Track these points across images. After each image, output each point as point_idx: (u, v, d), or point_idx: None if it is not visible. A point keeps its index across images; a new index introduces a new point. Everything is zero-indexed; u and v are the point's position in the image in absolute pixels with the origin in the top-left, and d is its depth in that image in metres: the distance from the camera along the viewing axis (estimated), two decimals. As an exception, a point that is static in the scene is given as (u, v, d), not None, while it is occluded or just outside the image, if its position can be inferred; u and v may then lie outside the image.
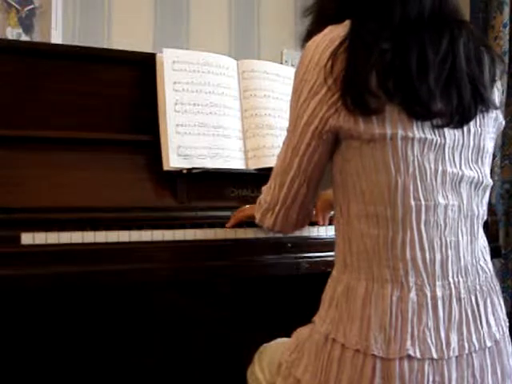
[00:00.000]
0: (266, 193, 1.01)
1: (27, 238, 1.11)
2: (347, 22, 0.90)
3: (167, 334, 1.59)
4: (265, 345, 1.15)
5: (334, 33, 0.89)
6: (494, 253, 1.69)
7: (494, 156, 2.35)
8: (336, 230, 0.97)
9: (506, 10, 2.35)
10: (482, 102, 0.91)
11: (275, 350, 1.07)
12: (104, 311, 1.51)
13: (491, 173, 2.40)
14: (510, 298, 2.43)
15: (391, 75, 0.85)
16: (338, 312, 0.90)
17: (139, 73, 1.44)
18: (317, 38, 0.91)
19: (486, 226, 1.58)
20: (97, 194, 1.27)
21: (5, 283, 1.08)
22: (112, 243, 1.17)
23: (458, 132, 0.90)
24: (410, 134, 0.86)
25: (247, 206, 1.28)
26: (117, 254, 1.16)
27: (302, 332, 0.99)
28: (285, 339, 1.09)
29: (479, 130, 0.93)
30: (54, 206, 1.20)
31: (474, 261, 0.92)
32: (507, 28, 2.35)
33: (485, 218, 0.97)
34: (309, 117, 0.90)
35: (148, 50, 2.12)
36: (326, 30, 0.91)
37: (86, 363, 1.50)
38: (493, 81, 0.95)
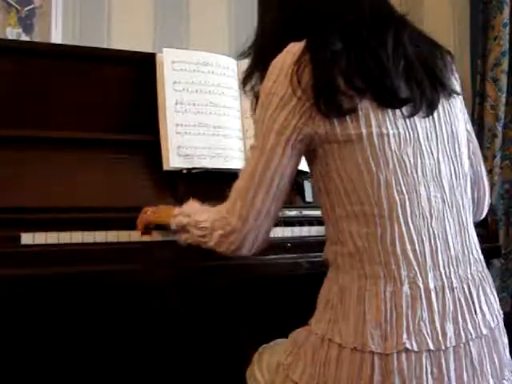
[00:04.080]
0: (229, 212, 0.95)
1: (27, 238, 1.11)
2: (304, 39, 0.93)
3: (166, 335, 1.59)
4: (264, 346, 1.15)
5: (295, 47, 0.92)
6: (494, 253, 1.70)
7: (494, 156, 2.35)
8: (326, 234, 0.98)
9: (506, 10, 2.34)
10: (441, 87, 0.96)
11: (274, 351, 1.07)
12: (104, 311, 1.51)
13: (491, 172, 2.40)
14: (510, 298, 2.43)
15: (355, 74, 0.89)
16: (334, 313, 0.90)
17: (139, 73, 1.44)
18: (281, 55, 0.93)
19: (486, 226, 1.59)
20: (97, 194, 1.27)
21: (5, 283, 1.08)
22: (112, 243, 1.17)
23: (428, 123, 0.93)
24: (385, 131, 0.88)
25: (149, 208, 1.19)
26: (117, 254, 1.16)
27: (299, 334, 0.99)
28: (284, 340, 1.08)
29: (449, 120, 0.96)
30: (54, 206, 1.20)
31: (466, 251, 0.93)
32: (507, 28, 2.35)
33: (476, 207, 1.02)
34: (280, 126, 0.91)
35: (148, 50, 2.12)
36: (287, 47, 0.93)
37: (86, 363, 1.50)
38: (448, 69, 1.00)
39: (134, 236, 1.19)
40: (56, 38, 2.18)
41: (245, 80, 1.06)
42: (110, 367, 1.53)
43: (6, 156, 1.23)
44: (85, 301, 1.47)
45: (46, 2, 2.18)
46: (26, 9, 2.15)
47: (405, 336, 0.85)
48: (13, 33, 2.13)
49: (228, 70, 1.50)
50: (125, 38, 2.26)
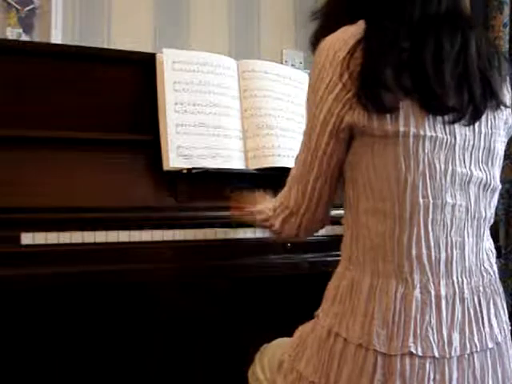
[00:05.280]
0: (286, 198, 1.00)
1: (27, 238, 1.11)
2: (361, 22, 0.90)
3: (167, 334, 1.59)
4: (265, 345, 1.15)
5: (348, 32, 0.90)
6: (494, 253, 1.69)
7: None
8: (344, 226, 0.97)
9: (506, 10, 2.35)
10: (491, 97, 0.92)
11: (276, 350, 1.07)
12: (104, 311, 1.51)
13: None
14: (510, 299, 2.43)
15: (407, 72, 0.86)
16: (342, 306, 0.90)
17: (139, 73, 1.44)
18: (330, 38, 0.91)
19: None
20: (97, 194, 1.27)
21: (5, 283, 1.08)
22: (112, 243, 1.17)
23: (469, 132, 0.91)
24: (422, 132, 0.86)
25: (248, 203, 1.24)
26: (117, 254, 1.16)
27: (305, 328, 0.99)
28: (285, 339, 1.09)
29: (490, 131, 0.93)
30: (54, 206, 1.20)
31: (479, 263, 0.93)
32: (507, 28, 2.35)
33: (492, 221, 0.97)
34: (325, 116, 0.90)
35: (148, 50, 2.12)
36: (340, 30, 0.91)
37: (86, 363, 1.50)
38: (503, 79, 0.95)
39: (134, 236, 1.19)
40: (56, 38, 2.18)
41: (315, 41, 1.00)
42: (111, 366, 1.53)
43: (6, 156, 1.23)
44: (85, 301, 1.47)
45: (46, 1, 2.18)
46: (26, 9, 2.16)
47: (411, 340, 0.85)
48: (13, 33, 2.14)
49: (228, 69, 1.50)
50: (125, 37, 2.27)
